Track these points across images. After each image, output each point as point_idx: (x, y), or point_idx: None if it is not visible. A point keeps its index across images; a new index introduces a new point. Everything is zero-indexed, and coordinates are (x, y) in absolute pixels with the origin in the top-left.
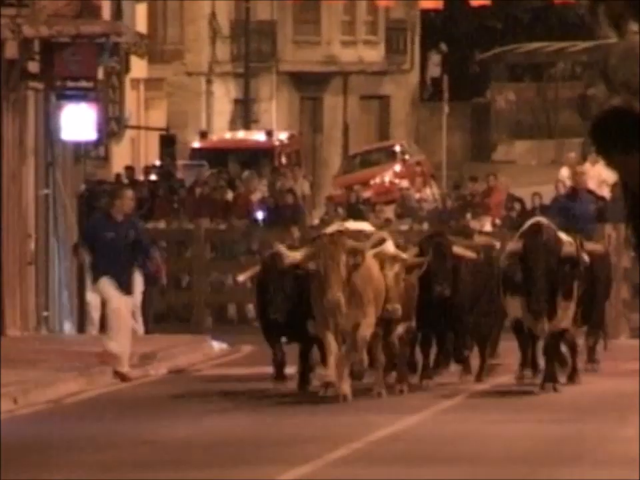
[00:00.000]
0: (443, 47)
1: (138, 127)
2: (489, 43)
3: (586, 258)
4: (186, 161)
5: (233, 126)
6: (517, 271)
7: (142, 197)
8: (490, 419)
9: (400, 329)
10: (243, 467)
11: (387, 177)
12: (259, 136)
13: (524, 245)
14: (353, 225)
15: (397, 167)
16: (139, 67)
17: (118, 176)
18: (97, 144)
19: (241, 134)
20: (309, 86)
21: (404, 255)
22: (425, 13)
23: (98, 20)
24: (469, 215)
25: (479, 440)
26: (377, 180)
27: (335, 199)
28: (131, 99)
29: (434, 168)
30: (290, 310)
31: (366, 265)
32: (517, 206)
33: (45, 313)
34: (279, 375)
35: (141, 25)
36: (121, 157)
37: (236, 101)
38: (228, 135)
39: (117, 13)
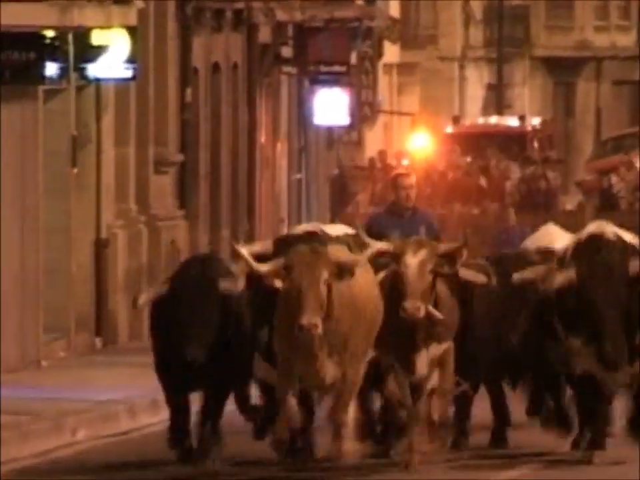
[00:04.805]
0: None
1: (390, 112)
2: None
3: None
4: (439, 146)
5: (485, 111)
6: (571, 304)
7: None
8: None
9: (430, 352)
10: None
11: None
12: (511, 121)
13: (577, 272)
14: (331, 229)
15: None
16: (391, 52)
17: (371, 160)
18: (349, 128)
19: (493, 119)
20: (562, 71)
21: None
22: None
23: (351, 4)
24: None
25: None
26: None
27: (586, 184)
28: (384, 84)
29: None
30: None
31: (356, 288)
32: None
33: None
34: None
35: (394, 10)
36: (373, 142)
37: (489, 86)
38: (480, 120)
39: None
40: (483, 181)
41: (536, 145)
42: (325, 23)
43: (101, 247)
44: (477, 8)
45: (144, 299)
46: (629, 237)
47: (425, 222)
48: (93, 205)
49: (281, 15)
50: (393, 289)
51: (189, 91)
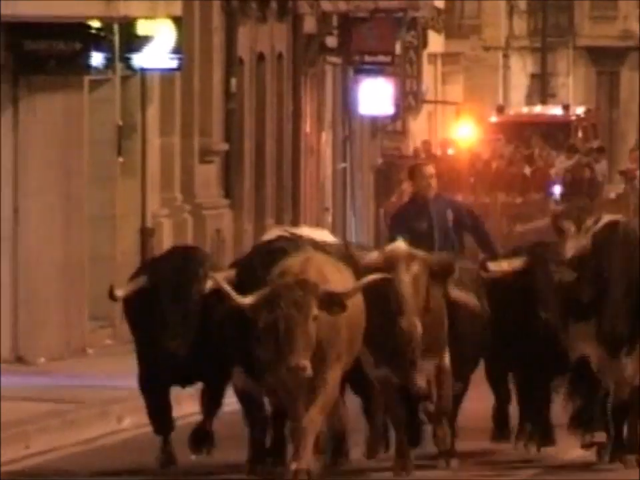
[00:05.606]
0: None
1: (435, 101)
2: None
3: None
4: (483, 135)
5: (529, 100)
6: (582, 284)
7: (439, 171)
8: None
9: (425, 366)
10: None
11: None
12: (555, 110)
13: (593, 245)
14: (310, 232)
15: None
16: (436, 42)
17: (416, 150)
18: (394, 118)
19: (537, 108)
20: (605, 60)
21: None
22: None
23: None
24: None
25: None
26: None
27: (629, 172)
28: (428, 73)
29: None
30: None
31: (346, 319)
32: None
33: None
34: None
35: (439, 0)
36: (418, 131)
37: (532, 76)
38: (525, 109)
39: None
40: (526, 170)
41: (580, 134)
42: (370, 13)
43: (146, 236)
44: None
45: (123, 291)
46: None
47: (451, 206)
48: (138, 194)
49: (325, 5)
50: (384, 301)
51: (233, 81)
